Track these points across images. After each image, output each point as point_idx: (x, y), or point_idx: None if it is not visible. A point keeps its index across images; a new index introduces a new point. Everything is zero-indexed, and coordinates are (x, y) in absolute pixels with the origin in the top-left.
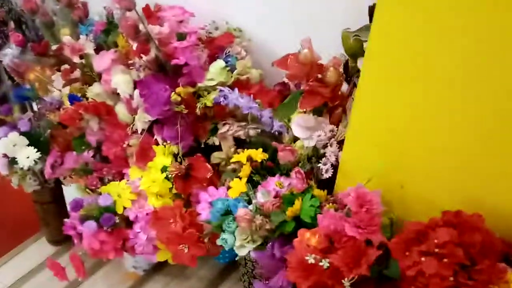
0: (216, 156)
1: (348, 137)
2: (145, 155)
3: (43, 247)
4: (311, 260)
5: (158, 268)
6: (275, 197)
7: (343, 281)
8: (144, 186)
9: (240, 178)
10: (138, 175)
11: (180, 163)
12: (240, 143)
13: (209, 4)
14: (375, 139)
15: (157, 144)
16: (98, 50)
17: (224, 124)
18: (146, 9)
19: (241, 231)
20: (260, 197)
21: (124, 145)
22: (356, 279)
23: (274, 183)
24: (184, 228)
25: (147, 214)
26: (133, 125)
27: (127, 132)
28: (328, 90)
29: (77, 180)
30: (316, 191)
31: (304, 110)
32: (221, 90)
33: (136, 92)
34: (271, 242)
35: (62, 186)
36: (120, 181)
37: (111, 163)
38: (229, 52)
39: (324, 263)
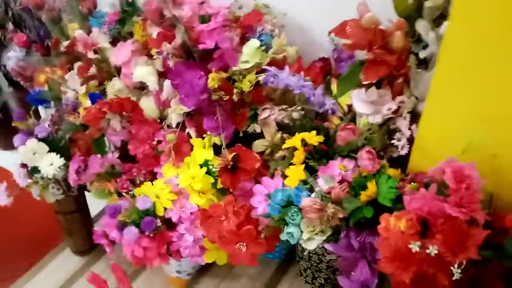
0: (258, 144)
1: (427, 109)
2: (178, 151)
3: (69, 258)
4: (415, 248)
5: (204, 270)
6: (340, 182)
7: (452, 268)
8: (184, 184)
9: (293, 165)
10: (173, 173)
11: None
12: (281, 128)
13: None
14: (461, 108)
15: (190, 137)
16: (112, 43)
17: (264, 109)
18: None
19: (308, 223)
20: (323, 183)
21: (154, 142)
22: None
23: (336, 167)
24: (239, 225)
25: (191, 213)
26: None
27: (157, 127)
28: (394, 57)
29: (104, 184)
30: (391, 171)
31: (369, 82)
32: (267, 70)
33: (167, 83)
34: (344, 232)
35: (85, 193)
36: (151, 181)
37: (139, 163)
38: (262, 30)
39: (432, 250)
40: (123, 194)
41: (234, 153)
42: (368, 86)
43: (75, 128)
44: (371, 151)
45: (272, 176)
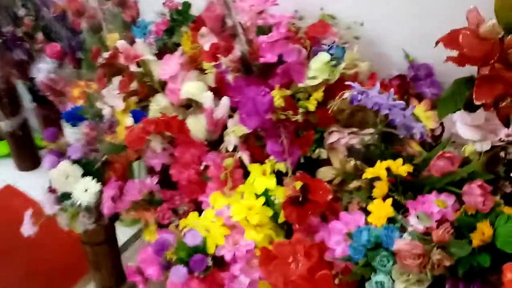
0: (325, 173)
1: None
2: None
3: None
4: None
5: None
6: (439, 221)
7: None
8: (238, 216)
9: (375, 199)
10: (223, 203)
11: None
12: (350, 154)
13: None
14: None
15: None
16: (157, 55)
17: (331, 132)
18: None
19: (403, 270)
20: (417, 222)
21: (201, 167)
22: None
23: (433, 203)
24: (311, 270)
25: (247, 251)
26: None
27: (204, 150)
28: None
29: (142, 214)
30: (506, 209)
31: (481, 103)
32: (352, 86)
33: (224, 100)
34: (449, 283)
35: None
36: (195, 211)
37: (181, 190)
38: (333, 42)
39: None
40: (169, 226)
41: (302, 183)
42: (476, 108)
43: (115, 149)
44: (484, 185)
45: (346, 210)
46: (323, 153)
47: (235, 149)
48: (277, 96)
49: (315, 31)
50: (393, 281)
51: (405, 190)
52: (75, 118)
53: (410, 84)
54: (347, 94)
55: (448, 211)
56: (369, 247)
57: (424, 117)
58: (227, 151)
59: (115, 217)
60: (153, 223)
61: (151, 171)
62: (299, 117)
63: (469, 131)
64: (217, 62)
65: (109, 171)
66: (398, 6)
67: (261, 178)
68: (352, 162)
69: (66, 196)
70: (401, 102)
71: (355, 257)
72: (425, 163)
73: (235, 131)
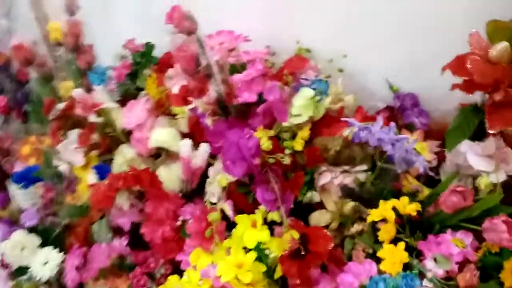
0: (319, 218)
1: None
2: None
3: None
4: None
5: None
6: (460, 263)
7: None
8: (228, 276)
9: (381, 243)
10: (207, 261)
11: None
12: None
13: (259, 23)
14: None
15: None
16: (119, 102)
17: (321, 173)
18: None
19: None
20: (434, 266)
21: (178, 222)
22: None
23: (450, 243)
24: None
25: None
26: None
27: (179, 203)
28: None
29: (112, 281)
30: None
31: (492, 131)
32: (351, 123)
33: (204, 147)
34: None
35: None
36: (171, 273)
37: (155, 250)
38: (316, 76)
39: None
40: None
41: (300, 233)
42: (481, 136)
43: (79, 212)
44: (509, 220)
45: (349, 258)
46: (315, 196)
47: (219, 200)
48: (264, 138)
49: (293, 66)
50: None
51: (412, 230)
52: (28, 179)
53: (398, 116)
54: (347, 132)
55: (468, 250)
56: None
57: (419, 149)
58: (210, 203)
59: None
60: None
61: (116, 231)
62: (287, 159)
63: (481, 161)
64: (192, 106)
65: (70, 236)
66: (377, 37)
67: (251, 231)
68: (351, 204)
69: (21, 270)
70: (405, 136)
71: None
72: (430, 199)
73: (219, 181)
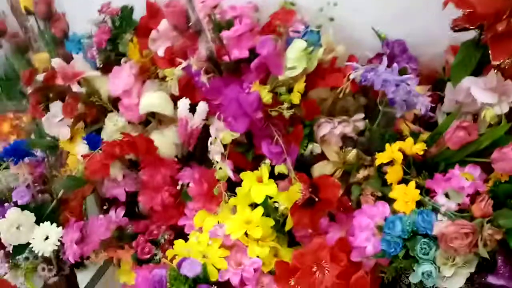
0: (321, 168)
1: None
2: (212, 194)
3: None
4: None
5: None
6: (471, 195)
7: None
8: (237, 233)
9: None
10: (213, 222)
11: None
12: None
13: None
14: None
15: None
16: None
17: (320, 124)
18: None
19: (447, 255)
20: (446, 201)
21: (178, 187)
22: None
23: (460, 177)
24: (341, 275)
25: (255, 270)
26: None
27: (175, 168)
28: None
29: (114, 253)
30: None
31: (497, 62)
32: (354, 67)
33: (202, 106)
34: (501, 258)
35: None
36: (174, 238)
37: (156, 217)
38: (307, 27)
39: None
40: (150, 261)
41: (309, 182)
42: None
43: (75, 184)
44: None
45: (357, 204)
46: (316, 148)
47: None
48: (264, 92)
49: (280, 19)
50: (439, 268)
51: (418, 171)
52: (18, 154)
53: (392, 62)
54: (353, 75)
55: (478, 182)
56: (405, 237)
57: (418, 91)
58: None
59: (79, 263)
60: (128, 261)
61: (106, 203)
62: (286, 112)
63: (484, 94)
64: (184, 65)
65: (64, 211)
66: None
67: (258, 186)
68: (354, 151)
69: (20, 249)
70: (409, 76)
71: (390, 251)
72: (433, 139)
73: (224, 138)
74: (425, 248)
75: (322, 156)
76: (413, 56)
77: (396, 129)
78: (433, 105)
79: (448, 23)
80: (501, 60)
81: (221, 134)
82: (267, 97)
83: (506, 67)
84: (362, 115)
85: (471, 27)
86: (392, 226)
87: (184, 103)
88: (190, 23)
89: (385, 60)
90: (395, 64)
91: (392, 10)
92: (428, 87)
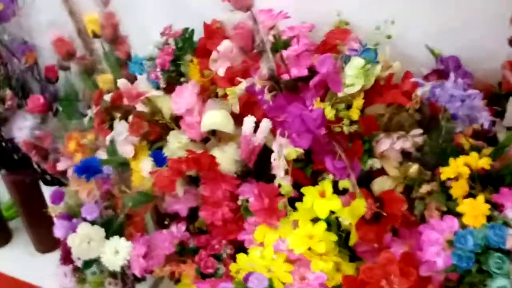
0: (381, 183)
1: None
2: (272, 209)
3: None
4: None
5: None
6: None
7: None
8: (301, 248)
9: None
10: (274, 236)
11: None
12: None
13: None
14: None
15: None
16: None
17: (379, 140)
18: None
19: None
20: None
21: (239, 202)
22: None
23: None
24: None
25: (320, 285)
26: None
27: (235, 184)
28: None
29: (178, 267)
30: None
31: None
32: (420, 83)
33: (265, 123)
34: None
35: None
36: (234, 252)
37: (216, 232)
38: (365, 45)
39: None
40: (214, 275)
41: (375, 197)
42: None
43: (144, 200)
44: None
45: (422, 219)
46: (376, 163)
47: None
48: (328, 109)
49: (335, 38)
50: None
51: (483, 185)
52: (89, 171)
53: (444, 78)
54: (420, 91)
55: None
56: (477, 251)
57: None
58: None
59: (140, 278)
60: (190, 275)
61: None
62: (346, 129)
63: None
64: (247, 83)
65: (128, 227)
66: (413, 3)
67: (321, 201)
68: (416, 166)
69: (89, 264)
70: (475, 91)
71: (462, 265)
72: (496, 153)
73: (288, 154)
74: (499, 262)
75: (380, 172)
76: (467, 71)
77: (456, 144)
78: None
79: (504, 38)
80: None
81: (286, 150)
82: (330, 114)
83: None
84: (420, 130)
85: None
86: (464, 241)
87: (249, 120)
88: (255, 44)
89: (452, 76)
90: (460, 79)
91: (445, 25)
92: (484, 102)
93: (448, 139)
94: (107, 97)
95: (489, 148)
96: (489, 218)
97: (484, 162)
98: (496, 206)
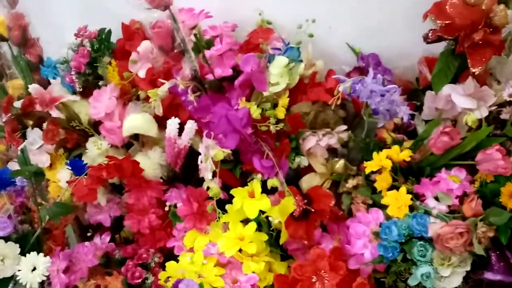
0: (309, 180)
1: None
2: (201, 213)
3: None
4: None
5: None
6: (459, 196)
7: None
8: (232, 250)
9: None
10: (204, 241)
11: None
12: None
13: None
14: None
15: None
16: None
17: (305, 138)
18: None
19: (443, 255)
20: (436, 203)
21: (166, 208)
22: None
23: (448, 180)
24: (341, 283)
25: (252, 286)
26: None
27: (161, 190)
28: (498, 37)
29: (103, 280)
30: None
31: (475, 70)
32: (341, 79)
33: (190, 125)
34: (495, 254)
35: None
36: (162, 261)
37: (143, 240)
38: (288, 43)
39: None
40: (142, 285)
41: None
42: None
43: (63, 211)
44: (502, 148)
45: (349, 213)
46: (303, 160)
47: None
48: (253, 108)
49: (258, 38)
50: (436, 269)
51: (405, 176)
52: (6, 183)
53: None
54: (342, 87)
55: (465, 184)
56: (402, 240)
57: None
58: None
59: None
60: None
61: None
62: (273, 127)
63: (464, 100)
64: (170, 85)
65: (47, 241)
66: (335, 4)
67: (251, 201)
68: (342, 162)
69: (4, 282)
70: (393, 86)
71: (388, 256)
72: (416, 146)
73: (216, 155)
74: (422, 250)
75: (308, 169)
76: (387, 68)
77: (379, 138)
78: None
79: (419, 36)
80: (479, 67)
81: (213, 152)
82: (256, 113)
83: (480, 74)
84: (345, 127)
85: (448, 38)
86: (389, 231)
87: (173, 122)
88: (175, 43)
89: (371, 72)
90: (379, 75)
91: (365, 25)
92: (404, 97)
93: (372, 134)
94: (18, 104)
95: (410, 141)
96: (411, 208)
97: (405, 155)
98: (418, 196)
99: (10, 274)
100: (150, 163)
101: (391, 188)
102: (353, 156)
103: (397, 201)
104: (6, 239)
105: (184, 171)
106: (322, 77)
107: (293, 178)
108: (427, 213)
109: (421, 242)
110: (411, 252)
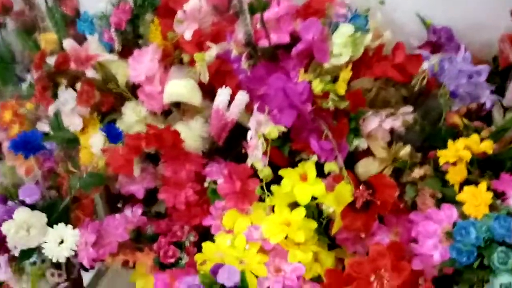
0: (367, 166)
1: None
2: (244, 192)
3: None
4: None
5: None
6: None
7: None
8: (278, 237)
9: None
10: (246, 223)
11: None
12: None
13: None
14: None
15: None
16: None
17: (365, 119)
18: None
19: None
20: None
21: (206, 184)
22: None
23: None
24: (404, 285)
25: (298, 278)
26: None
27: (201, 163)
28: None
29: (133, 256)
30: None
31: None
32: (425, 57)
33: (241, 96)
34: None
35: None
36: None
37: (178, 217)
38: (355, 11)
39: None
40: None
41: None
42: None
43: (96, 181)
44: None
45: (413, 206)
46: (362, 143)
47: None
48: (316, 81)
49: (322, 1)
50: None
51: (481, 170)
52: (28, 147)
53: (439, 50)
54: (428, 65)
55: None
56: (480, 244)
57: None
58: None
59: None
60: (145, 264)
61: (120, 200)
62: (333, 104)
63: None
64: (220, 49)
65: (76, 210)
66: None
67: (303, 185)
68: (408, 148)
69: (27, 253)
70: (485, 66)
71: (462, 260)
72: (497, 136)
73: (269, 133)
74: (503, 257)
75: (365, 153)
76: (460, 44)
77: (450, 124)
78: None
79: (501, 8)
80: None
81: (266, 128)
82: (318, 88)
83: None
84: (410, 108)
85: None
86: (465, 233)
87: (225, 92)
88: (232, 3)
89: (462, 48)
90: (467, 53)
91: None
92: None
93: (436, 117)
94: (51, 60)
95: (487, 129)
96: (490, 207)
97: (486, 146)
98: (497, 194)
99: (35, 245)
100: (192, 134)
101: (465, 182)
102: (413, 140)
103: (475, 198)
104: (33, 207)
105: (226, 145)
106: (388, 50)
107: (347, 161)
108: (510, 214)
109: (503, 248)
110: (490, 258)
